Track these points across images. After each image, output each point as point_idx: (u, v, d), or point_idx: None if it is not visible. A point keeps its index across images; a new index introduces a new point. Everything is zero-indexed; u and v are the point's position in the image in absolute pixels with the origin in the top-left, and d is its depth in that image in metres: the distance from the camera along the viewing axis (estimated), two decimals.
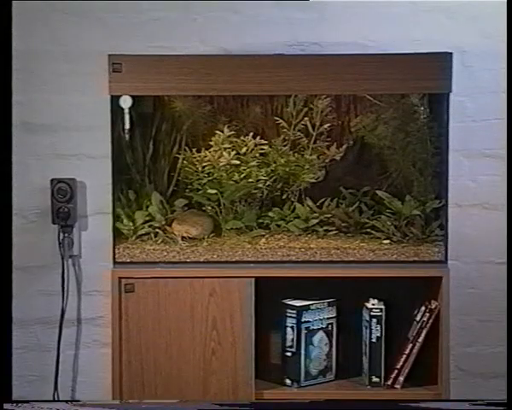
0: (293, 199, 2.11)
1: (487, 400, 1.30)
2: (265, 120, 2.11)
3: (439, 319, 1.96)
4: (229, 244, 2.04)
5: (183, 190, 2.10)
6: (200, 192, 2.08)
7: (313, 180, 2.10)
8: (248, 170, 2.06)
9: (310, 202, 2.12)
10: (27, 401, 1.43)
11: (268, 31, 2.01)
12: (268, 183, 2.09)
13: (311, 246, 2.04)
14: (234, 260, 2.01)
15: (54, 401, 1.64)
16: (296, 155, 2.10)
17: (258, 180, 2.07)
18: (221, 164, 2.05)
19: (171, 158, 2.09)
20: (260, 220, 2.10)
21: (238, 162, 2.05)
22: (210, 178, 2.06)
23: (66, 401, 1.58)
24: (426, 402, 1.61)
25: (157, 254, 2.03)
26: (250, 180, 2.06)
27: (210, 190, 2.06)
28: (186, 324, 1.98)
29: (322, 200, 2.11)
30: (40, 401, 1.61)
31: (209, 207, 2.09)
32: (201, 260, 2.02)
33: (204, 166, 2.07)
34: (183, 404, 1.44)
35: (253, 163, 2.06)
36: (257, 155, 2.07)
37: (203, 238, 2.05)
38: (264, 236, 2.07)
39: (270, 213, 2.11)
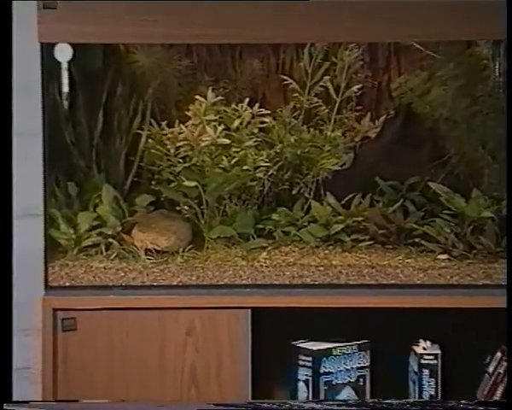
0: (307, 195, 2.14)
1: (487, 400, 1.58)
2: (267, 81, 2.15)
3: None
4: (215, 260, 2.02)
5: (148, 183, 2.11)
6: (172, 185, 2.08)
7: (337, 167, 2.12)
8: (243, 153, 2.05)
9: (332, 200, 2.13)
10: (27, 402, 1.66)
11: None
12: (271, 171, 2.10)
13: (334, 263, 2.02)
14: (221, 283, 1.99)
15: (57, 401, 1.80)
16: (312, 130, 2.13)
17: (256, 168, 2.07)
18: (203, 144, 2.04)
19: (131, 136, 2.10)
20: (260, 226, 2.11)
21: (228, 142, 2.05)
22: (187, 165, 2.06)
23: (73, 401, 1.78)
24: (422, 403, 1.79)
25: (110, 274, 2.00)
26: (245, 168, 2.05)
27: (187, 182, 2.06)
28: (152, 376, 1.97)
29: (350, 196, 2.12)
30: (42, 401, 1.77)
31: (186, 207, 2.08)
32: (174, 283, 2.00)
33: (178, 148, 2.06)
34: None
35: (250, 143, 2.06)
36: (255, 130, 2.08)
37: (177, 252, 2.03)
38: (265, 248, 2.06)
39: (275, 216, 2.11)
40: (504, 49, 1.98)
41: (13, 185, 1.90)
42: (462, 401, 1.71)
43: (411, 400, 1.95)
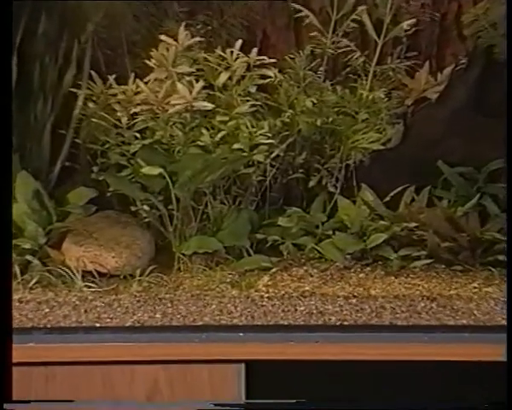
0: (332, 189, 2.10)
1: (487, 400, 1.76)
2: (271, 13, 2.15)
3: None
4: (191, 289, 1.96)
5: (88, 170, 2.10)
6: (125, 173, 2.06)
7: (378, 146, 2.07)
8: (233, 124, 2.01)
9: (370, 196, 2.09)
10: (28, 402, 1.84)
11: None
12: (277, 152, 2.05)
13: (373, 293, 1.94)
14: (200, 323, 1.91)
15: (58, 401, 1.90)
16: (340, 89, 2.10)
17: (254, 147, 2.02)
18: (172, 110, 1.99)
19: (60, 97, 2.09)
20: (260, 235, 2.06)
21: (211, 106, 2.00)
22: (147, 142, 2.04)
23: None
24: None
25: (28, 310, 1.92)
26: (237, 146, 2.01)
27: (147, 169, 2.01)
28: None
29: (398, 190, 2.08)
30: (43, 401, 1.88)
31: (145, 207, 2.05)
32: (128, 323, 1.91)
33: (134, 116, 2.04)
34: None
35: (244, 108, 2.02)
36: (252, 89, 2.05)
37: (132, 276, 1.97)
38: (268, 270, 2.00)
39: (282, 221, 2.07)
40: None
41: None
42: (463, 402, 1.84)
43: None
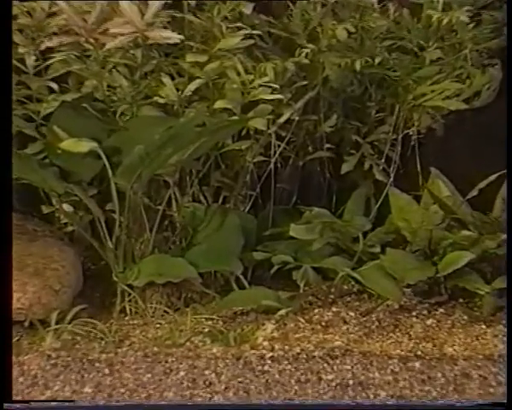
0: (379, 175, 2.06)
1: (487, 400, 1.92)
2: None
3: None
4: (143, 344, 1.86)
5: None
6: (32, 150, 1.98)
7: (458, 105, 1.98)
8: (214, 67, 1.91)
9: (443, 188, 2.00)
10: (28, 402, 1.98)
11: None
12: (287, 115, 1.98)
13: (450, 351, 1.88)
14: (160, 403, 1.82)
15: (57, 401, 1.97)
16: (394, 9, 2.03)
17: (250, 106, 1.93)
18: (112, 44, 1.89)
19: None
20: (259, 254, 1.98)
21: (177, 38, 1.89)
22: (70, 97, 1.96)
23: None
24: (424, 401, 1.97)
25: None
26: (220, 105, 1.90)
27: (70, 143, 1.86)
28: None
29: (491, 179, 2.04)
30: (42, 401, 1.98)
31: (66, 209, 1.96)
32: (35, 404, 1.86)
33: (48, 54, 1.95)
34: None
35: (234, 41, 1.96)
36: (246, 10, 2.02)
37: (45, 323, 1.87)
38: (273, 315, 1.91)
39: (296, 229, 1.99)
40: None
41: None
42: (463, 401, 1.87)
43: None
